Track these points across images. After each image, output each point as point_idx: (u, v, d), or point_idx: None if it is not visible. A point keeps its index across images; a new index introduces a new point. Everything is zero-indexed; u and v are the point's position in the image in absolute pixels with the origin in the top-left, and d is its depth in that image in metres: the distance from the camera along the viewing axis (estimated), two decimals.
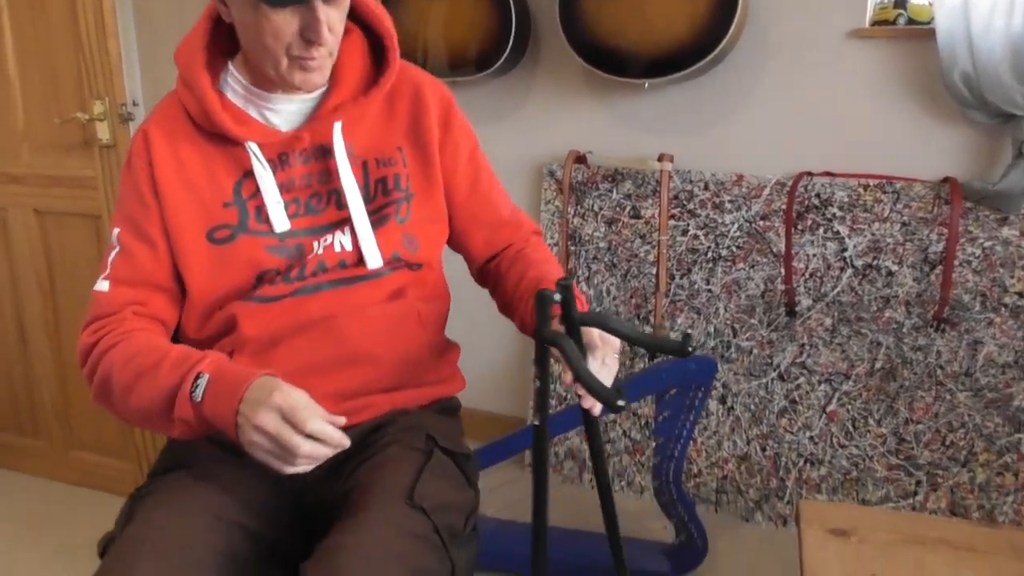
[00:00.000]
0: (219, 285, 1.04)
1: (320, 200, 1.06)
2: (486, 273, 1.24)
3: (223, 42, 1.06)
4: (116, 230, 1.05)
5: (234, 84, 1.06)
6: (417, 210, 1.11)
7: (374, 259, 1.06)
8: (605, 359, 0.92)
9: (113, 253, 1.04)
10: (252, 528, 0.98)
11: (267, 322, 1.04)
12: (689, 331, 2.02)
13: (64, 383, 2.19)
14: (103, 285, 1.03)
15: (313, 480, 1.02)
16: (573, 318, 0.89)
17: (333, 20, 0.96)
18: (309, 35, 0.94)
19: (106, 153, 1.94)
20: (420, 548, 0.91)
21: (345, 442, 0.87)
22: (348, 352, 1.05)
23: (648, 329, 2.07)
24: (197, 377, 0.91)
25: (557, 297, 0.88)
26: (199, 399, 0.90)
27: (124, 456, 2.17)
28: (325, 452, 0.86)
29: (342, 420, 0.88)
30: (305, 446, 0.84)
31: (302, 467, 0.87)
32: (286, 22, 0.94)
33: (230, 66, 1.06)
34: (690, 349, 0.81)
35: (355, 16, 1.07)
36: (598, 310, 2.06)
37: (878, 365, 1.88)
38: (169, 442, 1.13)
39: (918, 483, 1.88)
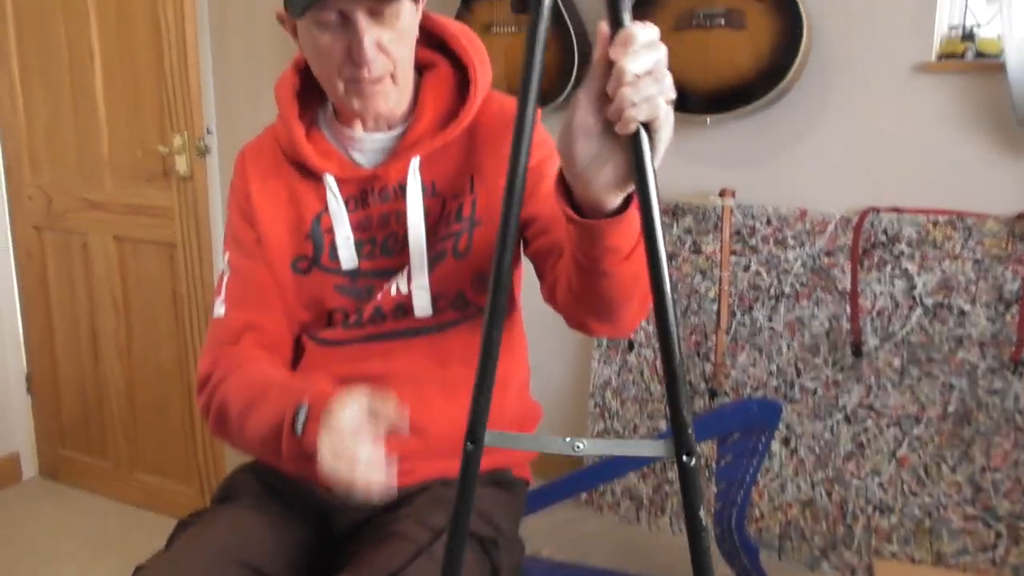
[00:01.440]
0: (300, 313, 1.06)
1: (396, 241, 1.03)
2: (557, 273, 0.98)
3: (317, 86, 1.05)
4: (227, 254, 1.07)
5: (326, 120, 1.07)
6: (483, 242, 1.02)
7: (422, 305, 1.01)
8: None
9: (226, 277, 1.06)
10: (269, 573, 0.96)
11: (324, 368, 1.03)
12: (752, 367, 1.98)
13: (133, 404, 2.26)
14: (219, 310, 1.04)
15: (346, 529, 1.01)
16: None
17: (385, 40, 0.93)
18: (354, 55, 0.93)
19: (183, 185, 2.03)
20: None
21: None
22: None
23: (709, 367, 2.03)
24: (298, 409, 0.87)
25: None
26: (300, 432, 0.87)
27: (186, 480, 2.22)
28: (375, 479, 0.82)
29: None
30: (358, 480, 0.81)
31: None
32: (333, 44, 0.93)
33: (328, 104, 1.07)
34: None
35: (446, 49, 1.06)
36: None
37: (951, 409, 1.80)
38: (231, 473, 1.12)
39: (998, 535, 1.77)
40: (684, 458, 0.57)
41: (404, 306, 1.02)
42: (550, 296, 0.99)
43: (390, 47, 0.94)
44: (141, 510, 2.29)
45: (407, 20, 0.95)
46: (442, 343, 1.04)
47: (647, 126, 0.62)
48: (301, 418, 0.86)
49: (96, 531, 2.18)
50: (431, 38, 1.06)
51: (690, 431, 0.57)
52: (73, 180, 2.21)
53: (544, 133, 1.05)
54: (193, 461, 2.18)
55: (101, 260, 2.20)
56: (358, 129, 1.03)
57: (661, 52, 0.63)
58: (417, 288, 1.01)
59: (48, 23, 2.15)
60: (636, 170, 0.61)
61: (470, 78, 1.04)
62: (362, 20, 0.91)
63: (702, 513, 0.58)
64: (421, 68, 1.06)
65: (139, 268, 2.16)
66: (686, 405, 0.57)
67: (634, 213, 0.75)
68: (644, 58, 0.61)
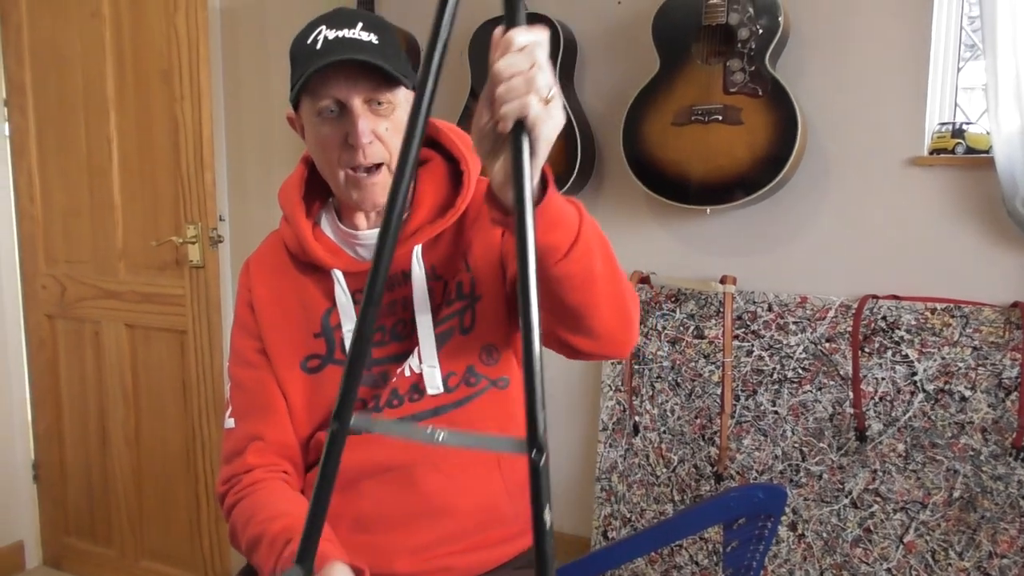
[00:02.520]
0: (314, 413, 1.08)
1: (405, 326, 1.06)
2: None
3: (320, 185, 1.11)
4: (227, 368, 1.12)
5: (328, 222, 1.11)
6: (485, 314, 1.05)
7: (433, 383, 1.04)
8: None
9: (227, 388, 1.11)
10: None
11: (347, 457, 1.05)
12: (756, 452, 2.00)
13: (139, 492, 2.26)
14: (229, 423, 1.09)
15: None
16: None
17: (382, 130, 0.98)
18: (351, 139, 0.97)
19: (195, 273, 2.07)
20: None
21: None
22: (424, 504, 1.04)
23: (714, 451, 2.05)
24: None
25: None
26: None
27: (191, 568, 2.20)
28: None
29: None
30: None
31: None
32: (332, 133, 0.98)
33: (330, 203, 1.12)
34: None
35: (439, 146, 1.11)
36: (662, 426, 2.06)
37: (956, 494, 1.81)
38: (246, 566, 1.14)
39: None
40: (533, 454, 0.59)
41: (418, 385, 1.05)
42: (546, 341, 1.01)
43: (386, 136, 0.99)
44: None
45: (402, 114, 1.00)
46: (460, 419, 1.05)
47: (522, 123, 0.65)
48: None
49: None
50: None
51: (541, 430, 0.59)
52: (87, 269, 2.25)
53: None
54: (198, 549, 2.17)
55: (113, 348, 2.23)
56: (361, 226, 1.07)
57: (536, 54, 0.66)
58: (427, 367, 1.04)
59: (68, 115, 2.23)
60: (513, 166, 0.63)
61: (462, 169, 1.08)
62: (358, 107, 0.97)
63: (547, 514, 0.59)
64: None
65: (149, 355, 2.19)
66: (540, 403, 0.60)
67: (552, 208, 0.79)
68: (516, 59, 0.65)
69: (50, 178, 2.30)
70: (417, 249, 1.06)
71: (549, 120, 0.67)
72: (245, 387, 1.08)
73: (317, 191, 1.12)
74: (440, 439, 0.61)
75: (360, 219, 1.07)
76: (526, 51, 0.66)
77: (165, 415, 2.18)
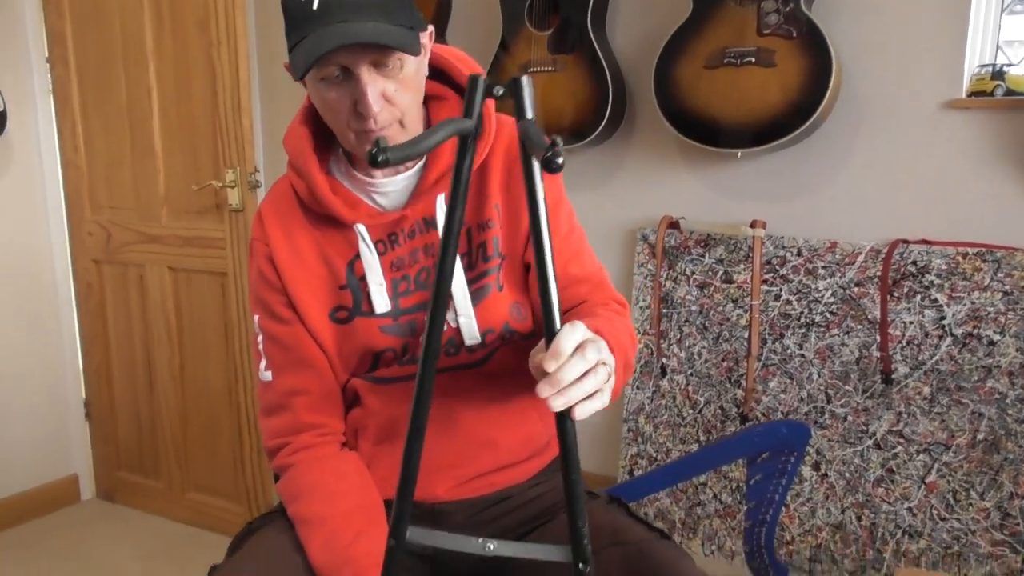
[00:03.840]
0: (346, 360, 1.08)
1: (429, 274, 1.05)
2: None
3: (327, 130, 1.07)
4: (256, 317, 1.10)
5: (343, 171, 1.08)
6: (509, 273, 1.07)
7: (471, 333, 1.04)
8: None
9: (260, 339, 1.09)
10: None
11: (385, 406, 1.08)
12: (781, 394, 2.03)
13: (185, 428, 2.36)
14: (266, 375, 1.08)
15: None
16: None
17: (391, 91, 0.95)
18: (360, 108, 0.94)
19: (235, 217, 2.13)
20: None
21: None
22: (466, 443, 1.07)
23: (740, 393, 2.09)
24: None
25: (499, 91, 0.69)
26: None
27: (235, 499, 2.31)
28: None
29: None
30: None
31: None
32: (340, 98, 0.95)
33: (340, 151, 1.08)
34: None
35: (453, 83, 1.08)
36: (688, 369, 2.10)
37: (980, 436, 1.84)
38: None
39: None
40: (580, 566, 0.67)
41: (454, 339, 1.05)
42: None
43: (395, 97, 0.95)
44: (193, 528, 2.39)
45: (411, 69, 0.96)
46: (498, 367, 1.07)
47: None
48: None
49: (151, 548, 2.28)
50: (433, 69, 1.05)
51: (586, 542, 0.67)
52: (131, 215, 2.32)
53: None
54: (242, 482, 2.28)
55: (156, 290, 2.31)
56: (376, 176, 1.05)
57: (579, 365, 0.74)
58: (463, 318, 1.04)
59: (108, 67, 2.27)
60: (561, 446, 0.72)
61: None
62: (365, 74, 0.92)
63: None
64: (427, 99, 1.05)
65: (192, 297, 2.26)
66: (582, 518, 0.68)
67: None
68: (567, 371, 0.73)
69: (92, 128, 2.35)
70: (441, 199, 1.05)
71: (592, 409, 0.75)
72: (281, 342, 1.07)
73: (323, 136, 1.08)
74: (491, 549, 0.70)
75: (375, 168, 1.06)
76: (573, 362, 0.73)
77: (208, 354, 2.26)
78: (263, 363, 1.09)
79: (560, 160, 0.59)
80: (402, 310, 1.06)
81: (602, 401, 0.76)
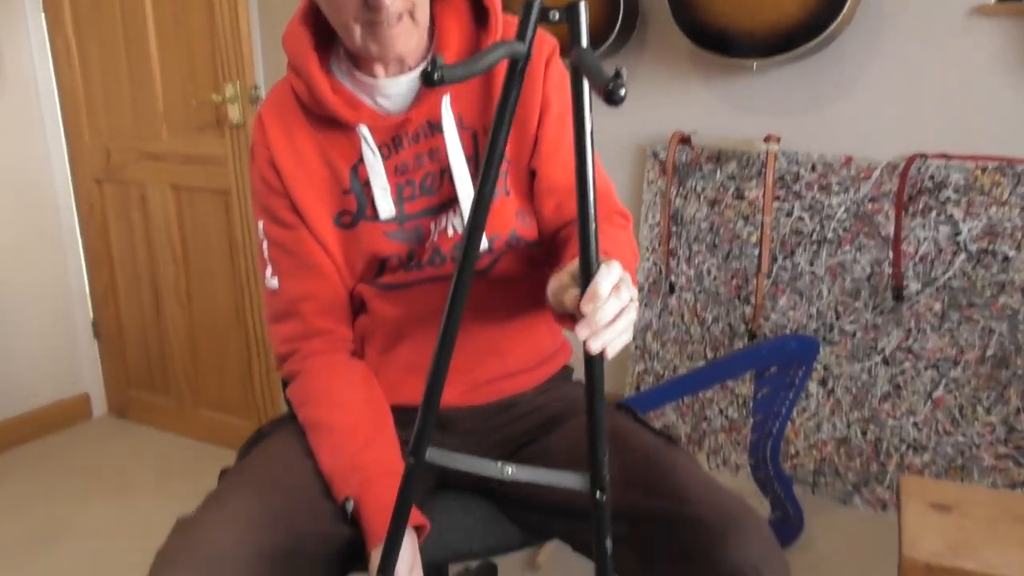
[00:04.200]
0: (352, 266, 1.07)
1: (434, 180, 1.03)
2: (551, 250, 1.08)
3: (329, 28, 1.02)
4: (260, 223, 1.07)
5: (344, 71, 1.04)
6: (516, 179, 1.05)
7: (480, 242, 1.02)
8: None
9: (265, 246, 1.07)
10: None
11: (391, 311, 1.07)
12: (791, 311, 2.03)
13: (193, 347, 2.37)
14: (273, 282, 1.07)
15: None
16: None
17: None
18: (370, 1, 0.90)
19: (236, 133, 2.08)
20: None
21: None
22: (473, 349, 1.06)
23: (749, 310, 2.08)
24: (345, 501, 0.96)
25: (555, 16, 0.66)
26: (350, 512, 0.95)
27: (245, 415, 2.34)
28: None
29: None
30: None
31: None
32: None
33: (342, 51, 1.04)
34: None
35: None
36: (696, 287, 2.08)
37: (990, 352, 1.84)
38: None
39: None
40: (597, 494, 0.68)
41: (461, 246, 1.04)
42: (544, 256, 1.08)
43: None
44: (204, 443, 2.43)
45: None
46: (503, 274, 1.06)
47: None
48: (349, 508, 0.94)
49: (164, 463, 2.32)
50: None
51: (604, 471, 0.67)
52: (130, 133, 2.27)
53: (564, 70, 1.05)
54: (251, 398, 2.30)
55: (159, 210, 2.28)
56: (380, 75, 1.01)
57: (615, 305, 0.72)
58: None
59: None
60: (588, 381, 0.70)
61: (486, 6, 1.01)
62: None
63: (608, 542, 0.68)
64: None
65: (195, 216, 2.24)
66: (602, 448, 0.68)
67: None
68: (606, 310, 0.71)
69: (87, 45, 2.28)
70: (446, 100, 1.01)
71: (622, 345, 0.73)
72: (286, 247, 1.05)
73: (323, 34, 1.04)
74: (509, 473, 0.70)
75: (378, 68, 1.00)
76: (610, 303, 0.71)
77: (214, 273, 2.25)
78: (269, 270, 1.08)
79: (623, 92, 0.55)
80: (407, 216, 1.04)
81: (629, 335, 0.75)
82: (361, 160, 1.02)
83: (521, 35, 0.65)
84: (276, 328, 1.09)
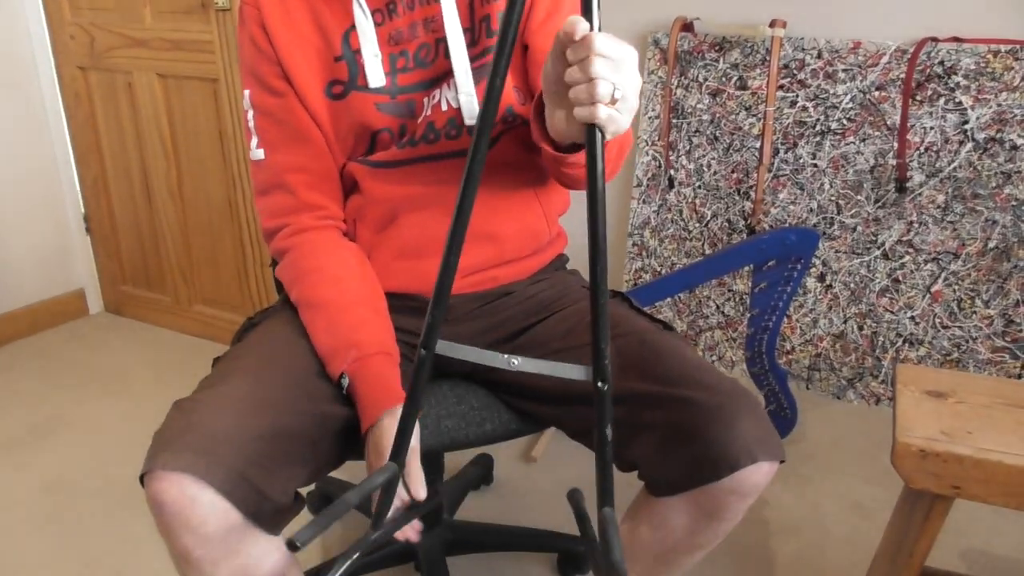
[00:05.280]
0: (343, 140, 1.03)
1: (428, 51, 1.00)
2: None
3: None
4: (247, 92, 1.04)
5: None
6: (514, 58, 1.01)
7: (472, 115, 0.99)
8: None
9: (251, 115, 1.03)
10: None
11: (383, 190, 1.04)
12: (791, 206, 1.99)
13: (187, 242, 2.35)
14: (258, 153, 1.03)
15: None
16: None
17: None
18: None
19: (222, 17, 2.01)
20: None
21: (421, 493, 0.88)
22: (470, 235, 1.03)
23: (749, 205, 2.04)
24: (340, 376, 0.94)
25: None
26: (345, 388, 0.94)
27: (240, 310, 2.34)
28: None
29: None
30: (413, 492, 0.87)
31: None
32: None
33: None
34: None
35: None
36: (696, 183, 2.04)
37: (992, 244, 1.81)
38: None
39: (1023, 366, 1.83)
40: (599, 384, 0.68)
41: (455, 120, 1.00)
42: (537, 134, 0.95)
43: None
44: (199, 339, 2.44)
45: None
46: (500, 157, 1.03)
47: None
48: (344, 383, 0.92)
49: (161, 358, 2.33)
50: None
51: (607, 361, 0.67)
52: (113, 16, 2.19)
53: None
54: (247, 292, 2.29)
55: (147, 99, 2.22)
56: None
57: (603, 67, 0.65)
58: (464, 96, 0.99)
59: None
60: (588, 158, 0.64)
61: None
62: None
63: (609, 430, 0.69)
64: None
65: (184, 105, 2.18)
66: (604, 339, 0.67)
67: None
68: (596, 67, 0.65)
69: None
70: None
71: (614, 124, 0.67)
72: (275, 116, 1.01)
73: None
74: (515, 364, 0.69)
75: None
76: (597, 61, 0.65)
77: (205, 165, 2.21)
78: (255, 141, 1.04)
79: None
80: (400, 88, 1.00)
81: (623, 121, 0.69)
82: (353, 26, 0.98)
83: None
84: (263, 201, 1.06)
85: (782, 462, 0.85)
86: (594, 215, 0.64)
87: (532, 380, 1.02)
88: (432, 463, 1.30)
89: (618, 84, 0.66)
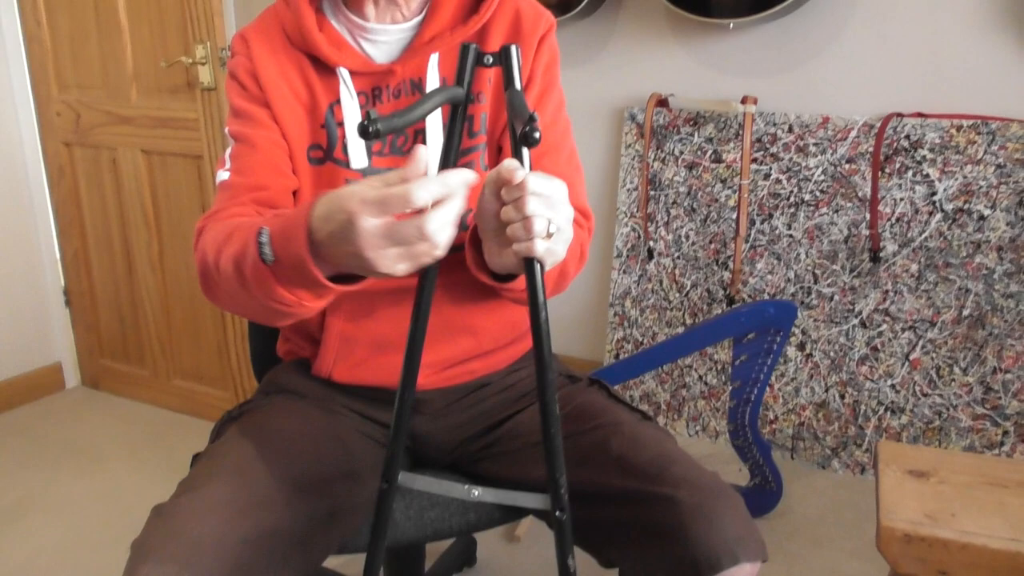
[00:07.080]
0: None
1: (407, 141, 0.99)
2: None
3: None
4: (227, 128, 1.01)
5: (333, 9, 1.01)
6: (490, 156, 1.02)
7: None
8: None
9: (230, 149, 0.99)
10: (331, 459, 0.96)
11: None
12: (768, 276, 2.01)
13: (167, 315, 2.34)
14: (223, 175, 0.97)
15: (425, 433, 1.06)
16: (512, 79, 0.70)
17: None
18: None
19: (207, 96, 2.05)
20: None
21: (469, 175, 0.69)
22: (444, 325, 1.02)
23: (727, 275, 2.07)
24: (259, 235, 0.76)
25: (489, 60, 0.73)
26: (271, 259, 0.76)
27: (220, 385, 2.31)
28: (455, 207, 0.68)
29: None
30: (432, 221, 0.66)
31: (444, 242, 0.68)
32: None
33: None
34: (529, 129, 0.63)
35: None
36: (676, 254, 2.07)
37: (966, 312, 1.83)
38: (272, 371, 1.15)
39: (1005, 433, 1.83)
40: (557, 513, 0.71)
41: None
42: None
43: None
44: (179, 414, 2.40)
45: None
46: (474, 251, 1.03)
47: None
48: (266, 241, 0.76)
49: (137, 434, 2.29)
50: None
51: (563, 491, 0.71)
52: (100, 94, 2.23)
53: (555, 48, 1.03)
54: (227, 367, 2.27)
55: (131, 175, 2.25)
56: (370, 18, 0.99)
57: (536, 205, 0.68)
58: None
59: None
60: (528, 292, 0.71)
61: None
62: None
63: (571, 561, 0.73)
64: None
65: (168, 181, 2.20)
66: (559, 469, 0.71)
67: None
68: (531, 204, 0.68)
69: (54, 1, 2.23)
70: (434, 59, 0.98)
71: (552, 256, 0.72)
72: (257, 145, 0.96)
73: None
74: (476, 495, 0.74)
75: (368, 7, 0.98)
76: (531, 199, 0.68)
77: (187, 239, 2.22)
78: (224, 168, 0.97)
79: (537, 135, 0.62)
80: (374, 171, 0.99)
81: (559, 252, 0.73)
82: (338, 100, 0.98)
83: (459, 80, 0.72)
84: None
85: (764, 561, 0.83)
86: (539, 346, 0.69)
87: (513, 470, 1.01)
88: (414, 554, 1.27)
89: (552, 219, 0.69)
